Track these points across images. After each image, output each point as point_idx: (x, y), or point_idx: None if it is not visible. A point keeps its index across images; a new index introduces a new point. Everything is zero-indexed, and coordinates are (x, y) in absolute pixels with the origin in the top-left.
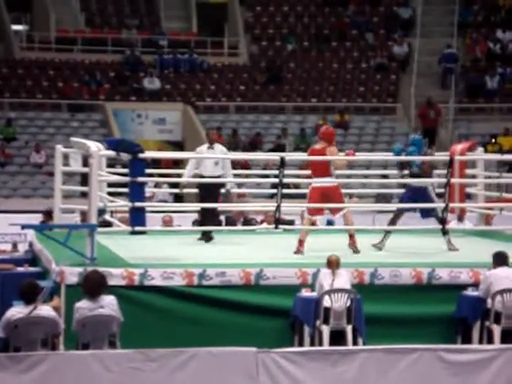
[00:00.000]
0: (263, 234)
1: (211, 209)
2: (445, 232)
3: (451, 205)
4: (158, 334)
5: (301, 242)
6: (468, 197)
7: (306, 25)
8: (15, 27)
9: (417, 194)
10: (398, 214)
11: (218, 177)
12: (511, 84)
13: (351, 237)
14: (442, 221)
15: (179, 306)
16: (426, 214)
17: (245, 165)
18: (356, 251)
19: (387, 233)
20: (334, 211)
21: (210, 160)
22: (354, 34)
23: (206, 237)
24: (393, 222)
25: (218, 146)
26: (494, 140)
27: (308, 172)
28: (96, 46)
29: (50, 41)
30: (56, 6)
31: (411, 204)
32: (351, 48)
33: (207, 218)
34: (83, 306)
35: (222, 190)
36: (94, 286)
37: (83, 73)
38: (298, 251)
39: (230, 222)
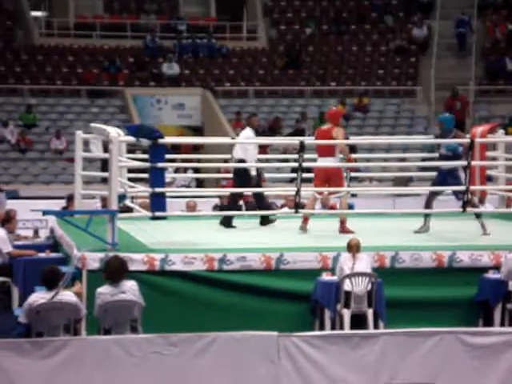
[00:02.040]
0: (283, 219)
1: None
2: (477, 215)
3: (472, 187)
4: (179, 318)
5: (306, 219)
6: (489, 179)
7: (325, 8)
8: (34, 13)
9: (447, 177)
10: (431, 196)
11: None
12: None
13: (342, 223)
14: (472, 204)
15: (200, 290)
16: (458, 196)
17: (264, 150)
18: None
19: (426, 216)
20: (331, 192)
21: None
22: (373, 17)
23: (267, 220)
24: (427, 205)
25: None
26: None
27: None
28: (115, 31)
29: (69, 27)
30: None
31: (433, 187)
32: (370, 31)
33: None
34: (105, 291)
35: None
36: (115, 271)
37: (102, 59)
38: (302, 228)
39: (251, 206)
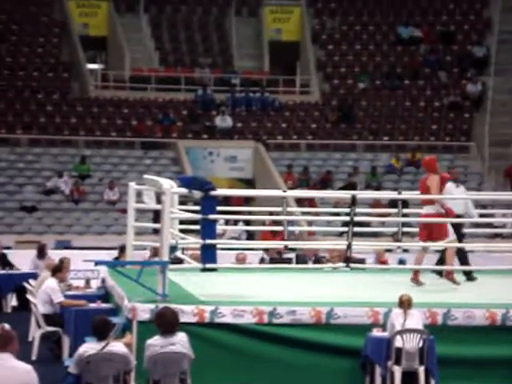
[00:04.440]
0: (333, 272)
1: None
2: None
3: None
4: (228, 371)
5: (415, 273)
6: None
7: (379, 63)
8: (90, 66)
9: None
10: None
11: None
12: None
13: (449, 273)
14: None
15: (249, 343)
16: None
17: (312, 203)
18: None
19: None
20: (436, 238)
21: (459, 199)
22: (426, 73)
23: (470, 277)
24: None
25: (460, 183)
26: None
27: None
28: (169, 84)
29: (124, 79)
30: (130, 45)
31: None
32: (424, 86)
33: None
34: (154, 342)
35: None
36: (168, 323)
37: (156, 111)
38: (416, 281)
39: (301, 259)
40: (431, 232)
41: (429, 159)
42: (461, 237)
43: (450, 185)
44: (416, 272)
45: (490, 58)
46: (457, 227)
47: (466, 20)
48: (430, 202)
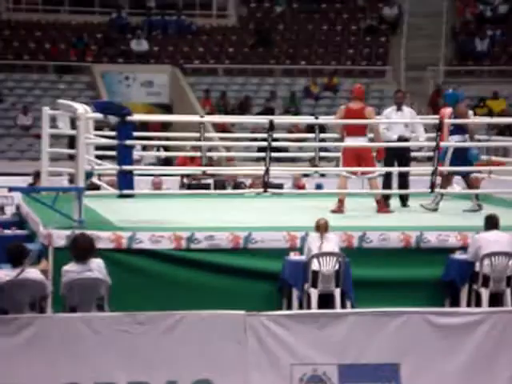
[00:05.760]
0: (252, 198)
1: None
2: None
3: (440, 168)
4: (146, 297)
5: (341, 202)
6: None
7: None
8: None
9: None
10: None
11: (407, 139)
12: (501, 47)
13: (378, 202)
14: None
15: (167, 269)
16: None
17: (227, 128)
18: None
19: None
20: (364, 172)
21: (399, 122)
22: None
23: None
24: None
25: (406, 108)
26: (482, 103)
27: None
28: (83, 6)
29: (36, 1)
30: None
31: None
32: (341, 10)
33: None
34: (71, 269)
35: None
36: (82, 249)
37: (70, 34)
38: (339, 210)
39: (220, 185)
40: (361, 165)
41: (361, 88)
42: (406, 160)
43: (389, 110)
44: (341, 202)
45: None
46: (396, 152)
47: None
48: (363, 133)
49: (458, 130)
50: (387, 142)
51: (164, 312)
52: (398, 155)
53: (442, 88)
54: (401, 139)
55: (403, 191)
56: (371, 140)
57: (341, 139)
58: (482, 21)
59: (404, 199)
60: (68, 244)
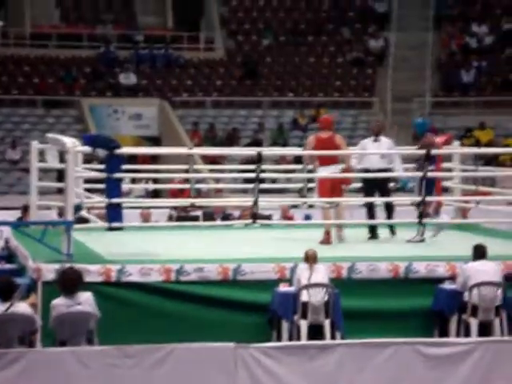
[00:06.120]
0: (241, 229)
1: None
2: (420, 223)
3: (428, 198)
4: (136, 330)
5: (327, 233)
6: (445, 190)
7: (282, 19)
8: None
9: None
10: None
11: (385, 170)
12: (487, 78)
13: (327, 233)
14: (426, 214)
15: (157, 302)
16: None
17: (216, 160)
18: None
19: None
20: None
21: (375, 153)
22: (330, 29)
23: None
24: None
25: (383, 139)
26: (469, 134)
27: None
28: (71, 41)
29: (25, 36)
30: (31, 2)
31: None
32: (327, 42)
33: (390, 211)
34: (60, 302)
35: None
36: (70, 282)
37: (58, 68)
38: (326, 242)
39: (208, 217)
40: (333, 195)
41: (329, 118)
42: (384, 192)
43: (366, 140)
44: (328, 233)
45: (392, 14)
46: (376, 182)
47: None
48: (334, 161)
49: (433, 160)
50: (366, 171)
51: (154, 345)
52: (379, 186)
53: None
54: (379, 170)
55: (391, 221)
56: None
57: (313, 169)
58: (467, 52)
59: (392, 228)
60: (56, 278)
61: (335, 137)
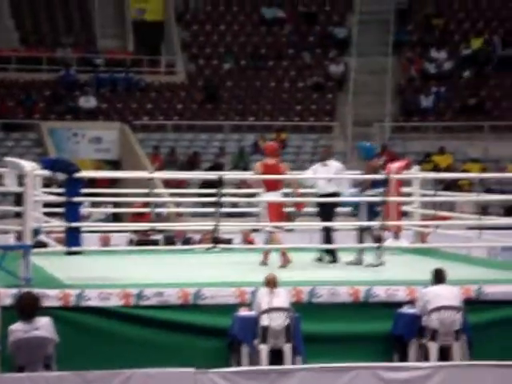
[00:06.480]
0: (201, 253)
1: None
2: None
3: (387, 222)
4: (95, 355)
5: (284, 254)
6: (404, 214)
7: (243, 44)
8: None
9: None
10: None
11: (333, 194)
12: (445, 103)
13: (283, 254)
14: (377, 238)
15: (116, 326)
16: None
17: (180, 184)
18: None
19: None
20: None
21: (323, 177)
22: (290, 53)
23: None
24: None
25: (333, 163)
26: (428, 158)
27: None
28: (31, 64)
29: None
30: None
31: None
32: (288, 67)
33: (329, 236)
34: (17, 328)
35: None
36: (27, 307)
37: (18, 92)
38: (285, 263)
39: (169, 241)
40: (280, 217)
41: (274, 145)
42: (330, 216)
43: (316, 165)
44: (284, 254)
45: (352, 39)
46: (325, 207)
47: (327, 0)
48: (280, 187)
49: (379, 184)
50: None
51: (113, 370)
52: (322, 210)
53: (387, 145)
54: (326, 195)
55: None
56: (286, 194)
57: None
58: (426, 77)
59: (333, 254)
60: (14, 303)
61: (280, 163)
